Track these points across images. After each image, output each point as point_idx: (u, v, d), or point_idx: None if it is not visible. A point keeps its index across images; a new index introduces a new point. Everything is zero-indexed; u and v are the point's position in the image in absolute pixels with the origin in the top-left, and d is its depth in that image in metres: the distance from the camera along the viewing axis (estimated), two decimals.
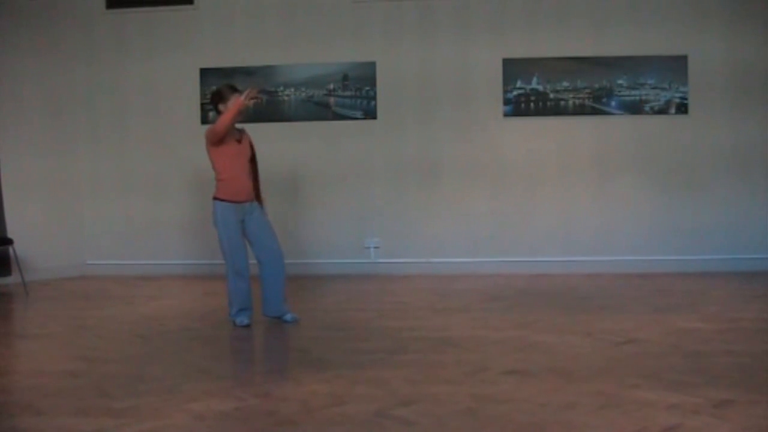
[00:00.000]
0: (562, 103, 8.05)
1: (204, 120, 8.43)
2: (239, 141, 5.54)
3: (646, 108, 8.00)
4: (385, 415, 3.39)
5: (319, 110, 8.31)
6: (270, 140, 8.28)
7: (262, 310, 5.65)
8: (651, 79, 7.96)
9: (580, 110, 8.05)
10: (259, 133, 8.35)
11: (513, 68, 8.06)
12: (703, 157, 7.97)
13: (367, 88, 8.23)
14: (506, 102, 8.11)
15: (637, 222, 8.03)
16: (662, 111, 7.98)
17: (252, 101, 5.49)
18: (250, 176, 5.57)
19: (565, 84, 8.03)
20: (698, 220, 7.96)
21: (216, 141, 5.40)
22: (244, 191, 5.51)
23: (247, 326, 5.44)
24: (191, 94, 8.42)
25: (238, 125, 5.69)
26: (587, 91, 8.03)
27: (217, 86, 5.80)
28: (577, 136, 8.08)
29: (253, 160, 5.63)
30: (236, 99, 5.37)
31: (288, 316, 5.61)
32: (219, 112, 5.49)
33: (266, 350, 5.01)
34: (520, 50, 8.06)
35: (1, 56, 7.95)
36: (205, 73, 8.39)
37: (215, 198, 5.54)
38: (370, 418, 3.37)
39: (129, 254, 8.54)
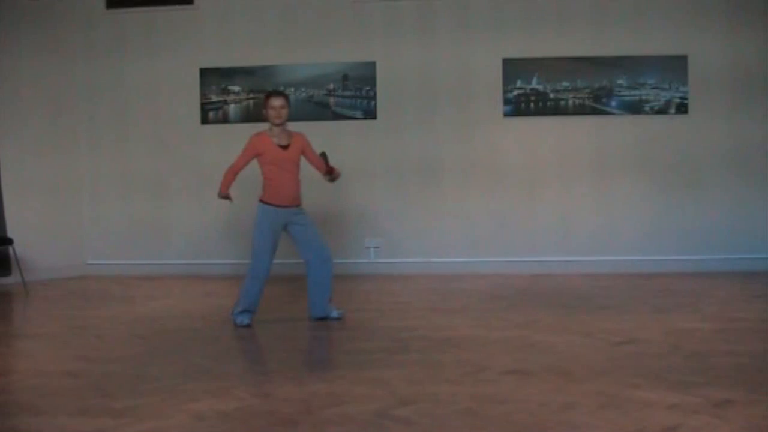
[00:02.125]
0: (562, 103, 8.05)
1: (204, 120, 8.44)
2: (285, 147, 5.50)
3: (646, 108, 8.00)
4: (385, 415, 3.39)
5: (319, 110, 8.31)
6: None
7: (308, 313, 5.66)
8: (651, 79, 7.96)
9: (580, 110, 8.05)
10: None
11: (513, 68, 8.07)
12: (703, 157, 7.97)
13: (367, 88, 8.23)
14: (506, 102, 8.11)
15: (637, 222, 8.03)
16: (662, 111, 7.98)
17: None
18: (299, 182, 5.55)
19: (565, 84, 8.04)
20: (698, 220, 7.96)
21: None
22: (288, 197, 5.48)
23: (247, 326, 5.44)
24: (191, 94, 8.43)
25: (294, 128, 5.65)
26: (587, 91, 8.03)
27: (271, 89, 5.85)
28: (577, 136, 8.08)
29: (314, 161, 5.64)
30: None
31: (334, 313, 5.64)
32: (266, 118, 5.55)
33: (266, 350, 5.01)
34: (520, 50, 8.07)
35: (1, 56, 7.96)
36: (205, 73, 8.39)
37: (260, 200, 5.53)
38: (370, 418, 3.37)
39: (129, 254, 8.54)
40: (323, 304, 5.62)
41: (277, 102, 5.47)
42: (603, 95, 8.03)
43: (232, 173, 5.60)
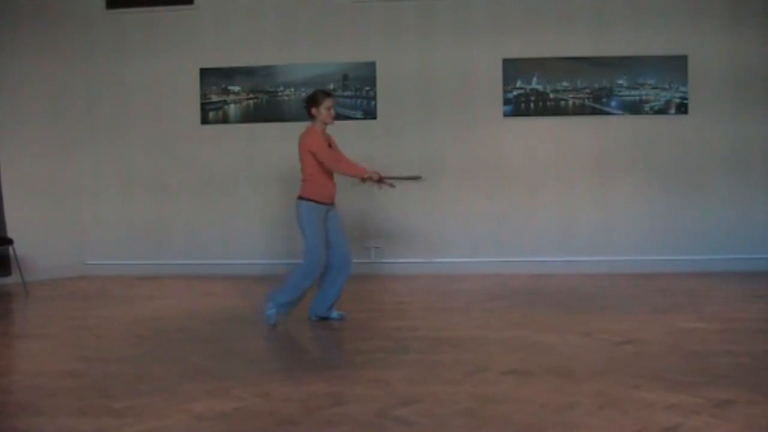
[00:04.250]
0: (562, 103, 8.05)
1: (204, 120, 8.44)
2: (330, 146, 5.58)
3: (646, 108, 8.00)
4: (385, 415, 3.39)
5: None
6: (270, 140, 8.30)
7: (309, 310, 5.66)
8: (651, 79, 7.96)
9: (580, 110, 8.05)
10: (259, 133, 8.41)
11: (513, 68, 8.06)
12: (703, 157, 7.97)
13: (367, 88, 8.23)
14: (506, 102, 8.11)
15: (637, 222, 8.03)
16: (662, 111, 7.98)
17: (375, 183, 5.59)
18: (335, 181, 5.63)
19: (565, 84, 8.03)
20: (698, 220, 7.96)
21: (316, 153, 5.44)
22: (330, 195, 5.55)
23: (273, 326, 5.42)
24: (191, 94, 8.42)
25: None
26: (587, 91, 8.03)
27: (313, 91, 5.72)
28: (577, 136, 8.08)
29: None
30: (363, 172, 5.57)
31: (335, 314, 5.65)
32: (312, 116, 5.53)
33: (266, 350, 5.01)
34: (520, 50, 8.06)
35: (1, 56, 7.95)
36: (205, 73, 8.39)
37: (301, 197, 5.50)
38: (370, 418, 3.38)
39: (129, 254, 8.54)
40: (327, 305, 5.62)
41: (332, 102, 5.56)
42: (603, 95, 8.03)
43: (343, 164, 5.52)
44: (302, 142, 5.52)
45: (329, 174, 5.55)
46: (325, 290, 5.61)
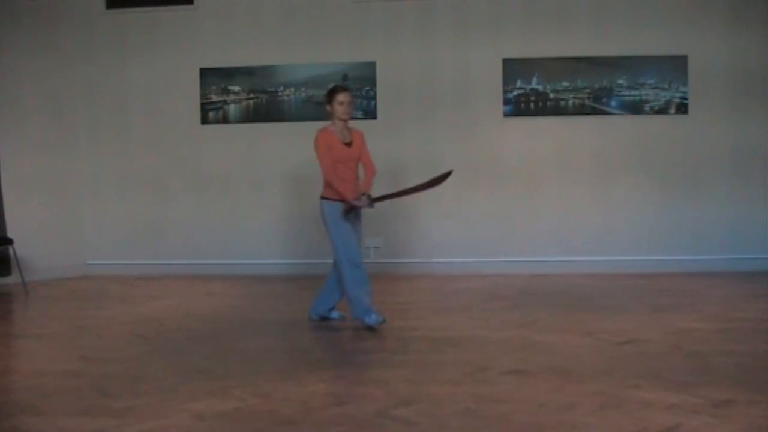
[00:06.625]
0: (562, 103, 8.05)
1: (204, 120, 8.43)
2: (349, 144, 5.45)
3: (646, 108, 8.00)
4: (385, 415, 3.39)
5: (319, 110, 8.27)
6: (270, 140, 8.30)
7: (310, 309, 5.67)
8: (651, 79, 7.96)
9: (580, 110, 8.05)
10: (259, 133, 8.41)
11: (513, 68, 8.06)
12: (703, 157, 7.97)
13: (367, 88, 8.23)
14: (506, 102, 8.11)
15: (637, 222, 8.03)
16: (662, 111, 7.98)
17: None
18: (357, 179, 5.49)
19: (565, 84, 8.03)
20: (698, 219, 7.96)
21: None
22: (349, 194, 5.36)
23: (384, 322, 5.27)
24: (191, 94, 8.42)
25: (352, 125, 5.59)
26: (587, 91, 8.03)
27: (334, 84, 5.63)
28: (577, 136, 8.08)
29: (365, 158, 5.55)
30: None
31: (335, 314, 5.63)
32: (329, 113, 5.48)
33: (266, 350, 5.01)
34: (520, 50, 8.06)
35: (1, 56, 7.96)
36: (205, 73, 8.39)
37: (323, 197, 5.43)
38: (370, 418, 3.38)
39: (129, 254, 8.54)
40: (329, 305, 5.61)
41: (346, 97, 5.42)
42: (603, 95, 8.03)
43: (337, 177, 5.30)
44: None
45: (348, 173, 5.39)
46: (328, 289, 5.60)
